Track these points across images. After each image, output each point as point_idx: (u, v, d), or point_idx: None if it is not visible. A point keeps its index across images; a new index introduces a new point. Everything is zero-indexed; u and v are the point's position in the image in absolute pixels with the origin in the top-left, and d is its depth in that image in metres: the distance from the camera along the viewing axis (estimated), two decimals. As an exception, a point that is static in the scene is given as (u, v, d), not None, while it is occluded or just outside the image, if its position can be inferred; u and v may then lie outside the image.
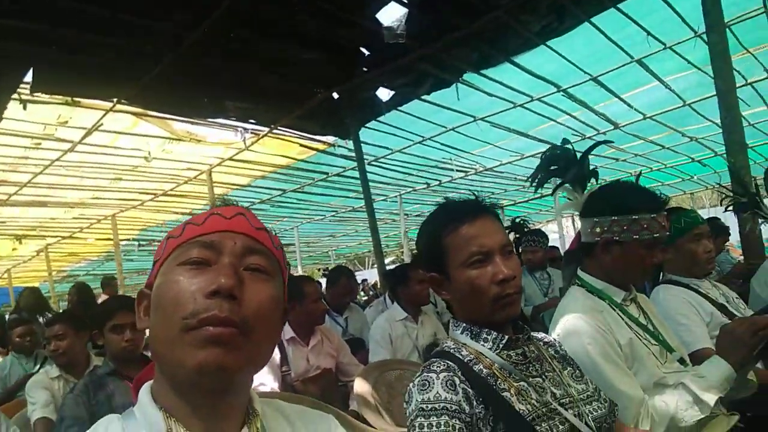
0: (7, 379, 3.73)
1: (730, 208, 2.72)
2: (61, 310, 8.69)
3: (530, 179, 1.89)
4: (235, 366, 0.68)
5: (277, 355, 2.71)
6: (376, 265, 6.68)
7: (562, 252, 5.48)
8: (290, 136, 6.63)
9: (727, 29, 3.77)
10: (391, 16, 4.30)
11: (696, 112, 7.39)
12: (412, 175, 9.72)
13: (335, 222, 13.73)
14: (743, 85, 6.22)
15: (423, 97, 5.76)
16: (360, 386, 2.22)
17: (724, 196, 2.74)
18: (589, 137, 8.21)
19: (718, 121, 7.34)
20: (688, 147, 9.70)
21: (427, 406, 1.02)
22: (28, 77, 4.04)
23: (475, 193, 1.29)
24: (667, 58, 5.64)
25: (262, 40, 4.20)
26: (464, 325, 1.20)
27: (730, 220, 3.58)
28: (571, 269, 1.76)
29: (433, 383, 1.06)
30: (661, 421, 1.36)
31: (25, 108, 4.52)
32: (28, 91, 4.24)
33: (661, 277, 2.17)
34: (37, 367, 3.74)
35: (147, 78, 4.35)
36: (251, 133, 6.30)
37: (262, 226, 0.81)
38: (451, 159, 8.86)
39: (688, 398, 1.35)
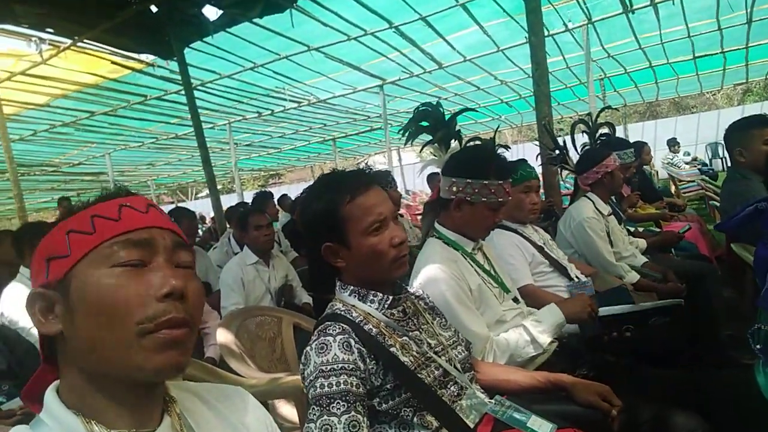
0: None
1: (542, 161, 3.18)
2: None
3: (401, 131, 2.03)
4: (187, 363, 0.71)
5: None
6: (209, 197, 6.37)
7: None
8: (100, 51, 5.82)
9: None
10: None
11: (507, 57, 8.14)
12: (243, 102, 9.29)
13: (154, 149, 12.62)
14: (546, 36, 6.99)
15: (255, 21, 5.45)
16: (223, 336, 2.20)
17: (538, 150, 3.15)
18: (417, 75, 8.63)
19: (525, 67, 8.22)
20: (498, 89, 10.71)
21: (326, 368, 1.10)
22: None
23: (367, 165, 1.36)
24: (486, 5, 6.07)
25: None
26: (352, 287, 1.28)
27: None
28: (430, 219, 1.95)
29: (331, 346, 1.14)
30: (502, 355, 1.63)
31: None
32: None
33: None
34: None
35: None
36: (50, 44, 5.39)
37: (171, 217, 0.81)
38: (283, 88, 8.64)
39: (527, 338, 1.66)
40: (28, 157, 10.92)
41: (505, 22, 6.65)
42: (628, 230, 3.28)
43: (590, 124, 3.36)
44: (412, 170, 13.36)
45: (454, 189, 1.77)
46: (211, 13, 5.28)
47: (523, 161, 2.43)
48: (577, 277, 2.33)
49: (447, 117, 1.99)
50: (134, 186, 19.95)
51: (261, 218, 3.20)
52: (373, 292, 1.28)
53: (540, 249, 2.31)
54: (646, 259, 2.91)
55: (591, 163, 2.89)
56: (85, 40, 5.38)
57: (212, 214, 8.58)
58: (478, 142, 2.24)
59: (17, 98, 6.96)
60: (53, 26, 4.94)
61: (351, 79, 8.62)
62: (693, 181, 8.61)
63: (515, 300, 1.88)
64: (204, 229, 8.84)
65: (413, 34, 6.72)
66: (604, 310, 1.80)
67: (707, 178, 8.96)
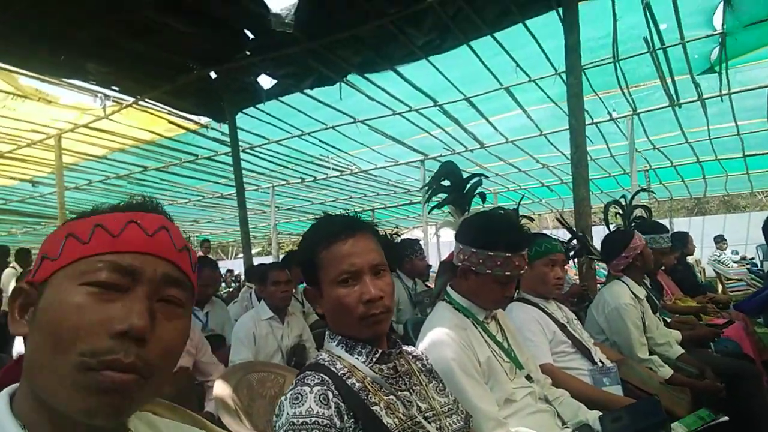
0: None
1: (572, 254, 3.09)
2: None
3: (425, 187, 2.02)
4: (129, 411, 0.63)
5: None
6: (242, 256, 6.46)
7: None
8: (158, 110, 6.19)
9: (582, 72, 4.24)
10: (281, 3, 4.22)
11: (549, 141, 8.21)
12: (287, 168, 9.59)
13: (200, 207, 13.05)
14: (589, 124, 7.04)
15: (306, 92, 5.72)
16: (220, 389, 2.12)
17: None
18: (459, 153, 8.75)
19: (566, 152, 8.23)
20: (540, 172, 10.74)
21: (298, 420, 1.02)
22: None
23: (354, 212, 1.31)
24: (530, 90, 6.20)
25: (135, 3, 3.87)
26: (339, 337, 1.20)
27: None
28: (443, 280, 1.89)
29: (306, 397, 1.05)
30: None
31: None
32: None
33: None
34: None
35: (-8, 21, 3.80)
36: (113, 101, 5.77)
37: (184, 245, 0.71)
38: (327, 157, 8.89)
39: None
40: (80, 205, 11.43)
41: (549, 108, 6.75)
42: (664, 320, 3.08)
43: (624, 206, 3.25)
44: (449, 247, 13.26)
45: (461, 256, 1.72)
46: (265, 82, 5.58)
47: (547, 236, 2.35)
48: (601, 361, 2.17)
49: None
50: (177, 241, 20.53)
51: (281, 274, 3.19)
52: (361, 343, 1.18)
53: (563, 327, 2.18)
54: (683, 350, 2.71)
55: (617, 249, 2.77)
56: (146, 99, 5.73)
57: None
58: (500, 212, 2.19)
59: (78, 149, 7.40)
60: (119, 84, 5.30)
61: (393, 152, 8.82)
62: (741, 281, 8.19)
63: (528, 378, 1.74)
64: (235, 286, 8.90)
65: (457, 113, 6.89)
66: None
67: (756, 277, 8.51)
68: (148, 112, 6.26)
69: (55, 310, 0.61)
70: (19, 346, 2.40)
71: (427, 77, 5.66)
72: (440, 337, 1.58)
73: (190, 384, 2.72)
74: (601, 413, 1.75)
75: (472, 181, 1.93)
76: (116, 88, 5.44)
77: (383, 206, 14.84)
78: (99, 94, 5.57)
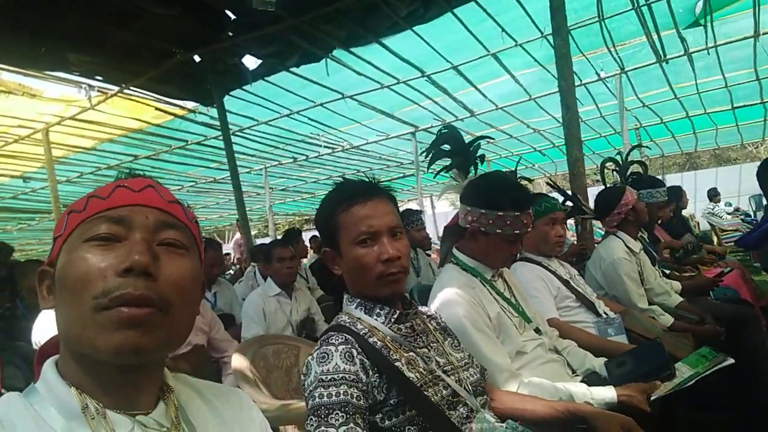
0: None
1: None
2: None
3: (424, 152, 2.03)
4: (153, 347, 0.66)
5: None
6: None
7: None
8: (144, 98, 6.12)
9: (569, 33, 4.22)
10: (261, -19, 4.15)
11: (539, 106, 8.20)
12: (279, 148, 9.55)
13: (194, 193, 13.00)
14: (578, 85, 7.02)
15: (292, 70, 5.67)
16: (238, 361, 2.20)
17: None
18: (449, 122, 8.73)
19: (557, 115, 8.24)
20: (532, 137, 10.74)
21: (326, 377, 1.07)
22: None
23: (372, 176, 1.35)
24: (517, 55, 6.17)
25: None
26: (358, 300, 1.26)
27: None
28: (448, 245, 1.92)
29: (332, 355, 1.11)
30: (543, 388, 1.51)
31: None
32: None
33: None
34: None
35: (-33, 16, 3.74)
36: (98, 91, 5.70)
37: (175, 199, 0.77)
38: (318, 134, 8.86)
39: (564, 390, 1.51)
40: (73, 198, 11.21)
41: (537, 72, 6.73)
42: (663, 272, 3.15)
43: (620, 162, 3.29)
44: (445, 218, 13.32)
45: (469, 218, 1.75)
46: (250, 62, 5.53)
47: (547, 195, 2.39)
48: (605, 313, 2.23)
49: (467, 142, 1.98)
50: (173, 229, 20.52)
51: (285, 251, 3.25)
52: (379, 305, 1.25)
53: (566, 283, 2.24)
54: (682, 299, 2.78)
55: (610, 206, 2.82)
56: (131, 88, 5.67)
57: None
58: (498, 171, 2.22)
59: (66, 142, 7.32)
60: (102, 74, 5.24)
61: (384, 126, 8.79)
62: (737, 231, 8.30)
63: (537, 331, 1.80)
64: (236, 268, 8.95)
65: (445, 82, 6.86)
66: (659, 393, 1.52)
67: (750, 227, 8.63)
68: (135, 100, 6.19)
69: (65, 268, 0.67)
70: (36, 336, 2.46)
71: (413, 48, 5.61)
72: (451, 296, 1.63)
73: (206, 361, 2.80)
74: (606, 360, 1.81)
75: (474, 144, 1.94)
76: (100, 78, 5.37)
77: (377, 181, 14.82)
78: (83, 85, 5.50)
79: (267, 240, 13.33)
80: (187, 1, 4.11)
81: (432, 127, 8.90)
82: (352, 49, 5.41)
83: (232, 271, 9.53)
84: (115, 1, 3.97)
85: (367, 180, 1.32)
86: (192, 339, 2.73)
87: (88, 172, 9.33)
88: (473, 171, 1.94)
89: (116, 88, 5.67)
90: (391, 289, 1.22)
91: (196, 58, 5.26)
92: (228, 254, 16.06)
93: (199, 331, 2.81)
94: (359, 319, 1.24)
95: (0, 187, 9.65)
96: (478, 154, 1.94)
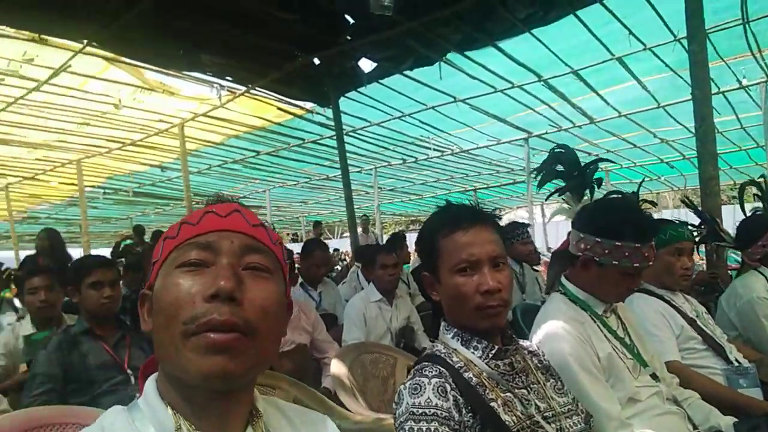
0: None
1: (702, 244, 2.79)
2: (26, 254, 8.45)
3: (535, 171, 1.94)
4: (240, 371, 0.67)
5: None
6: (347, 235, 6.70)
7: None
8: (268, 97, 6.52)
9: (706, 37, 3.82)
10: (379, -14, 4.22)
11: (669, 114, 7.54)
12: (389, 149, 9.70)
13: (308, 188, 13.64)
14: (716, 93, 6.35)
15: (405, 73, 5.72)
16: (337, 367, 2.24)
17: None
18: (566, 129, 8.33)
19: (689, 125, 7.51)
20: (658, 148, 9.91)
21: (417, 411, 1.05)
22: (-5, 9, 3.85)
23: (477, 201, 1.30)
24: (646, 59, 5.72)
25: (244, -3, 4.09)
26: (455, 330, 1.21)
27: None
28: (556, 271, 1.81)
29: (425, 388, 1.08)
30: None
31: (-12, 41, 4.34)
32: (-7, 24, 4.05)
33: None
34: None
35: (121, 22, 4.19)
36: (228, 90, 6.16)
37: (259, 222, 0.79)
38: (428, 137, 8.86)
39: None
40: (203, 188, 12.42)
41: (668, 77, 6.19)
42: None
43: (763, 187, 2.90)
44: (556, 228, 12.76)
45: (582, 246, 1.60)
46: (366, 65, 5.66)
47: (673, 222, 2.15)
48: (737, 360, 1.95)
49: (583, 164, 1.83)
50: (287, 221, 21.73)
51: (388, 258, 3.25)
52: (477, 338, 1.18)
53: (691, 322, 1.98)
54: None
55: (755, 236, 2.48)
56: (257, 88, 6.07)
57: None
58: (617, 196, 2.02)
59: (198, 136, 8.03)
60: (231, 75, 5.65)
61: (495, 130, 8.59)
62: None
63: (654, 377, 1.60)
64: (343, 265, 9.22)
65: (563, 87, 6.54)
66: None
67: None
68: (259, 100, 6.61)
69: (160, 293, 0.71)
70: None
71: (529, 51, 5.41)
72: (556, 330, 1.51)
73: (308, 360, 2.90)
74: (736, 419, 1.60)
75: (591, 167, 1.79)
76: (229, 78, 5.81)
77: (485, 186, 14.55)
78: (215, 85, 5.97)
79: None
80: (309, 6, 4.30)
81: (547, 133, 8.54)
82: (467, 53, 5.34)
83: (339, 267, 9.87)
84: (245, 7, 4.24)
85: (472, 205, 1.26)
86: (296, 338, 2.83)
87: (216, 165, 10.13)
88: (588, 194, 1.79)
89: (243, 88, 6.09)
90: (489, 322, 1.16)
91: (316, 61, 5.48)
92: (337, 249, 16.72)
93: (303, 330, 2.90)
94: (455, 350, 1.18)
95: (141, 174, 10.79)
96: (594, 177, 1.78)
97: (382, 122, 7.83)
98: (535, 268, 4.44)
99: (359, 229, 10.06)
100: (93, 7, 4.05)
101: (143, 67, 5.46)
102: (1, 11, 3.88)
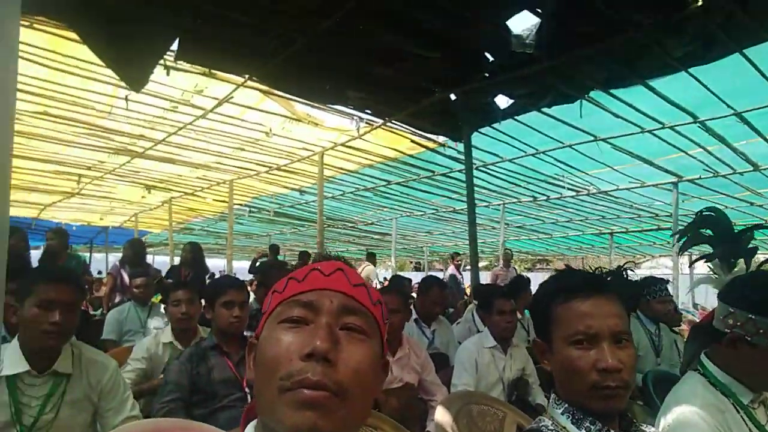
0: (124, 322, 4.12)
1: None
2: (173, 263, 9.50)
3: (676, 235, 1.77)
4: (329, 429, 0.69)
5: None
6: (469, 268, 6.60)
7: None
8: (402, 130, 6.73)
9: None
10: (522, 24, 4.19)
11: None
12: (519, 186, 9.47)
13: (434, 220, 13.73)
14: None
15: (543, 110, 5.58)
16: (441, 415, 2.17)
17: None
18: (724, 175, 7.51)
19: None
20: (844, 203, 8.53)
21: None
22: (174, 46, 4.43)
23: (601, 268, 1.21)
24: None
25: (387, 34, 4.27)
26: (566, 405, 1.11)
27: None
28: (695, 346, 1.61)
29: None
30: None
31: (168, 74, 4.98)
32: (172, 59, 4.65)
33: None
34: (146, 315, 4.13)
35: (278, 59, 4.60)
36: (366, 123, 6.46)
37: (361, 282, 0.81)
38: (562, 176, 8.51)
39: None
40: (335, 212, 13.09)
41: None
42: None
43: None
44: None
45: (730, 321, 1.40)
46: (502, 101, 5.61)
47: None
48: None
49: (737, 230, 1.62)
50: (411, 250, 21.99)
51: (506, 304, 3.11)
52: (590, 419, 1.06)
53: None
54: None
55: None
56: (392, 121, 6.29)
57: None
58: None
59: (335, 164, 8.50)
60: (371, 108, 5.92)
61: (639, 172, 8.00)
62: None
63: None
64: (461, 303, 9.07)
65: (723, 130, 5.92)
66: None
67: None
68: (394, 132, 6.85)
69: (263, 347, 0.76)
70: None
71: (684, 90, 4.99)
72: (690, 417, 1.33)
73: (415, 400, 2.85)
74: None
75: (747, 234, 1.57)
76: (369, 112, 6.08)
77: (624, 230, 13.55)
78: (355, 117, 6.30)
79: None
80: (451, 44, 4.38)
81: (700, 178, 7.77)
82: (612, 90, 5.07)
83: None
84: (387, 43, 4.44)
85: (594, 273, 1.17)
86: (404, 376, 2.81)
87: (349, 192, 10.62)
88: (740, 264, 1.58)
89: (381, 121, 6.35)
90: (605, 404, 1.04)
91: (452, 97, 5.55)
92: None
93: (412, 369, 2.86)
94: (564, 428, 1.08)
95: (282, 196, 11.64)
96: (749, 246, 1.57)
97: (515, 158, 7.67)
98: (674, 329, 4.00)
99: (500, 263, 9.87)
100: (255, 47, 4.50)
101: (294, 100, 5.93)
102: (181, 50, 4.46)
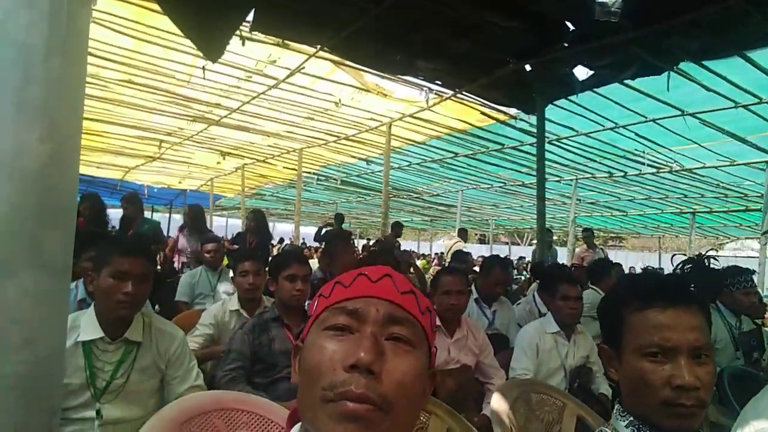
0: (196, 285, 4.33)
1: None
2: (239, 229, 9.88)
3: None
4: None
5: None
6: (535, 242, 6.43)
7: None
8: (473, 102, 6.56)
9: None
10: (608, -10, 3.92)
11: None
12: (594, 161, 9.06)
13: (501, 193, 13.45)
14: None
15: (625, 82, 5.25)
16: (498, 403, 2.11)
17: None
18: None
19: None
20: None
21: None
22: (250, 17, 4.49)
23: (682, 266, 1.11)
24: None
25: (464, 4, 4.13)
26: (631, 418, 1.03)
27: None
28: None
29: None
30: None
31: (243, 44, 5.07)
32: (248, 30, 4.73)
33: None
34: (216, 280, 4.32)
35: (350, 29, 4.58)
36: (435, 93, 6.34)
37: (409, 289, 0.78)
38: (643, 152, 8.04)
39: None
40: (400, 183, 13.09)
41: None
42: None
43: None
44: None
45: None
46: (581, 72, 5.32)
47: None
48: None
49: None
50: (476, 222, 21.74)
51: (571, 289, 2.95)
52: None
53: None
54: None
55: None
56: (463, 92, 6.13)
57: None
58: None
59: (403, 135, 8.45)
60: (441, 79, 5.79)
61: (729, 150, 7.43)
62: None
63: None
64: (525, 279, 8.89)
65: (832, 106, 5.37)
66: None
67: None
68: (464, 104, 6.69)
69: (306, 353, 0.74)
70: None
71: (788, 63, 4.54)
72: None
73: (471, 382, 2.82)
74: None
75: None
76: (439, 83, 5.96)
77: (708, 209, 12.73)
78: (424, 88, 6.20)
79: (563, 251, 12.88)
80: (528, 13, 4.18)
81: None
82: (704, 62, 4.69)
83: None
84: (464, 16, 4.29)
85: (673, 277, 1.08)
86: (461, 358, 2.76)
87: (416, 163, 10.57)
88: None
89: (450, 92, 6.22)
90: (678, 423, 0.96)
91: (527, 67, 5.33)
92: (522, 257, 16.21)
93: (469, 351, 2.81)
94: None
95: (350, 166, 11.76)
96: None
97: (591, 132, 7.32)
98: (756, 321, 3.73)
99: (583, 245, 9.15)
100: (327, 17, 4.49)
101: (364, 71, 5.91)
102: (256, 20, 4.52)
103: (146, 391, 1.97)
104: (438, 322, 2.76)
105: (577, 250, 10.27)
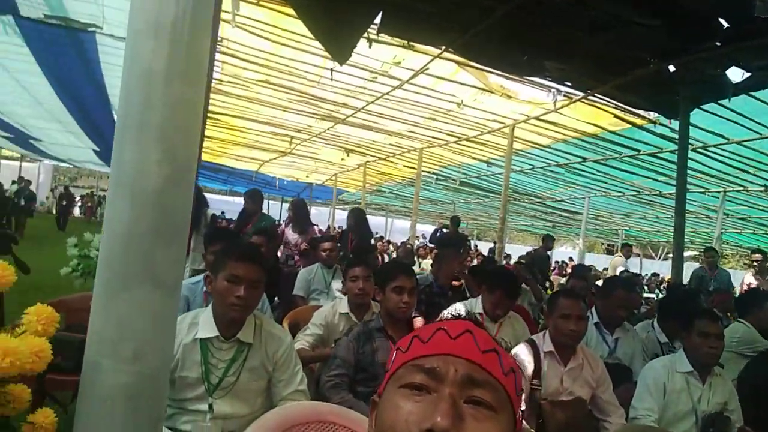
0: (312, 281, 4.51)
1: None
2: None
3: None
4: None
5: (530, 364, 2.54)
6: (671, 256, 5.82)
7: None
8: (606, 104, 6.13)
9: None
10: (774, -19, 3.44)
11: None
12: (748, 173, 8.06)
13: (634, 202, 12.47)
14: None
15: (791, 85, 4.60)
16: None
17: None
18: None
19: None
20: None
21: None
22: (378, 19, 4.58)
23: None
24: None
25: (604, 2, 3.86)
26: None
27: None
28: None
29: None
30: None
31: (370, 46, 5.21)
32: (375, 32, 4.83)
33: None
34: (330, 277, 4.47)
35: (474, 30, 4.49)
36: (564, 95, 6.02)
37: (491, 347, 0.73)
38: (810, 165, 7.00)
39: None
40: (521, 186, 12.65)
41: None
42: None
43: None
44: None
45: None
46: (735, 74, 4.74)
47: None
48: None
49: None
50: (603, 231, 20.40)
51: (712, 326, 2.58)
52: None
53: None
54: None
55: None
56: (595, 94, 5.76)
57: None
58: None
59: (526, 137, 8.15)
60: (571, 80, 5.48)
61: None
62: None
63: None
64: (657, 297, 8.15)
65: None
66: None
67: None
68: (595, 106, 6.29)
69: (382, 410, 0.71)
70: None
71: None
72: None
73: (584, 417, 2.59)
74: None
75: None
76: (568, 84, 5.65)
77: None
78: (552, 90, 5.91)
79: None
80: (673, 10, 3.80)
81: None
82: None
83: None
84: (595, 11, 4.01)
85: None
86: (575, 389, 2.57)
87: (539, 167, 10.14)
88: None
89: (581, 94, 5.87)
90: None
91: (671, 68, 4.86)
92: (656, 274, 14.94)
93: (585, 383, 2.60)
94: None
95: (469, 167, 11.60)
96: None
97: (745, 141, 6.51)
98: None
99: (751, 271, 8.15)
100: (452, 18, 4.44)
101: (489, 72, 5.78)
102: (384, 23, 4.60)
103: (254, 390, 2.06)
104: (551, 348, 2.61)
105: (747, 275, 8.65)
